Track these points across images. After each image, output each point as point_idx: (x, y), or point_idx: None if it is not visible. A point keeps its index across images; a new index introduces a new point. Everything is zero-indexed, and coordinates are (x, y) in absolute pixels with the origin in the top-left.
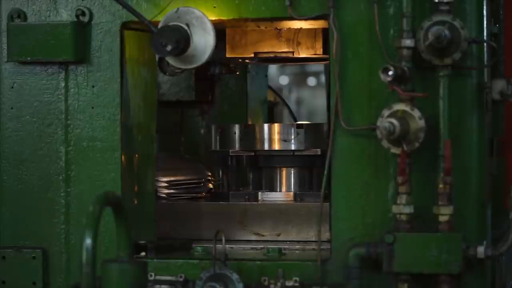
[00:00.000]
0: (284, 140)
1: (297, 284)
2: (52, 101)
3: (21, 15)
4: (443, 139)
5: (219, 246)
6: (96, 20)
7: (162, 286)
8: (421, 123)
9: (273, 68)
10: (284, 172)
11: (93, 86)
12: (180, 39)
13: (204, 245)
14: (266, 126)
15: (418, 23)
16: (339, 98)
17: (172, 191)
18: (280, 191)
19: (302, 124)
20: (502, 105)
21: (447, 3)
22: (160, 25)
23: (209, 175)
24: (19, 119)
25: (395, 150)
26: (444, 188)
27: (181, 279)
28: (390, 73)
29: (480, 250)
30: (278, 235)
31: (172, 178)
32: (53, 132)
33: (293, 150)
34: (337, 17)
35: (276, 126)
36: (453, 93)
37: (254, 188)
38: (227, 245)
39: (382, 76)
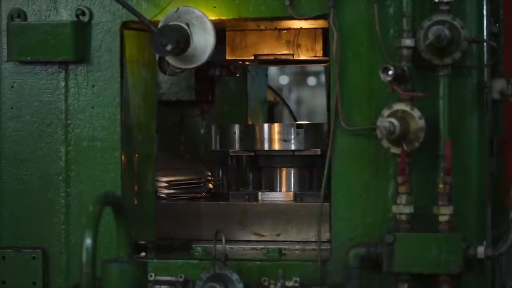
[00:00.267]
0: (284, 140)
1: (297, 284)
2: (52, 101)
3: (21, 14)
4: (443, 139)
5: (219, 246)
6: (96, 20)
7: (162, 286)
8: (421, 123)
9: (273, 68)
10: (284, 172)
11: (93, 86)
12: (180, 39)
13: (204, 245)
14: (266, 126)
15: (418, 22)
16: (339, 98)
17: (172, 191)
18: (280, 191)
19: (302, 124)
20: (502, 104)
21: (447, 2)
22: (160, 25)
23: (209, 175)
24: (19, 119)
25: (395, 150)
26: (444, 188)
27: (181, 279)
28: (390, 72)
29: (480, 250)
30: (278, 235)
31: (172, 178)
32: (53, 132)
33: (293, 150)
34: (337, 17)
35: (276, 126)
36: (453, 92)
37: (254, 188)
38: (227, 245)
39: (382, 76)
